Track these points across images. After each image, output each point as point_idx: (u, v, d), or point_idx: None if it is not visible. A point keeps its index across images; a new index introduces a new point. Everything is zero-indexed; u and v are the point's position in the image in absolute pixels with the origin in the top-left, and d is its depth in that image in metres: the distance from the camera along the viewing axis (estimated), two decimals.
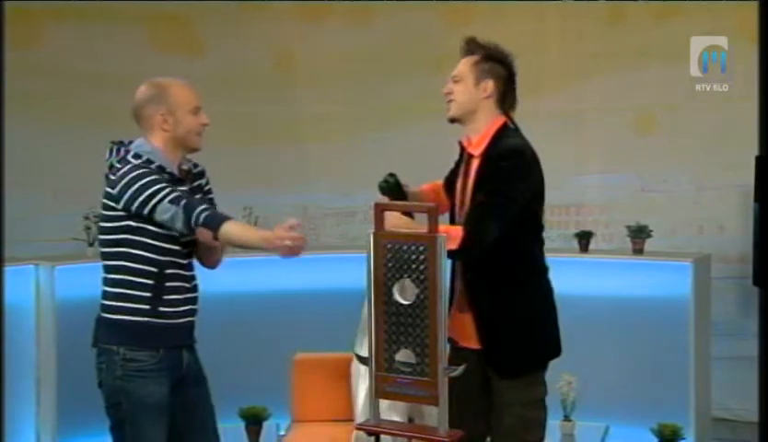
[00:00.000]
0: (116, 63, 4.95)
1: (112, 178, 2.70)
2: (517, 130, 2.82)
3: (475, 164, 2.78)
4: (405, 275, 2.32)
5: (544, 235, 2.87)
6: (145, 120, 2.73)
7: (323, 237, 5.26)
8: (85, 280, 4.48)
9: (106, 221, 2.72)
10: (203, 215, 2.59)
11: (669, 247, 4.76)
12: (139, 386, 2.65)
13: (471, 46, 2.81)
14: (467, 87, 2.78)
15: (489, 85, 2.78)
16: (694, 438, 4.35)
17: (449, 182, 2.97)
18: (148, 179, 2.62)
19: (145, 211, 2.62)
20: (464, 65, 2.81)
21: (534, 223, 2.80)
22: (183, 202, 2.61)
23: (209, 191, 2.83)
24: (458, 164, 2.92)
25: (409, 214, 2.65)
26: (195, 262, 2.83)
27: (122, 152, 2.73)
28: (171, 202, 2.60)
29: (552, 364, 4.09)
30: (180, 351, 2.75)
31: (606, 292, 4.58)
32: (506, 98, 2.82)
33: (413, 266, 2.32)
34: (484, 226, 2.54)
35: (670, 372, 4.42)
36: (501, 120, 2.80)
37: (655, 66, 4.92)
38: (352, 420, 3.45)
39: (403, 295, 2.32)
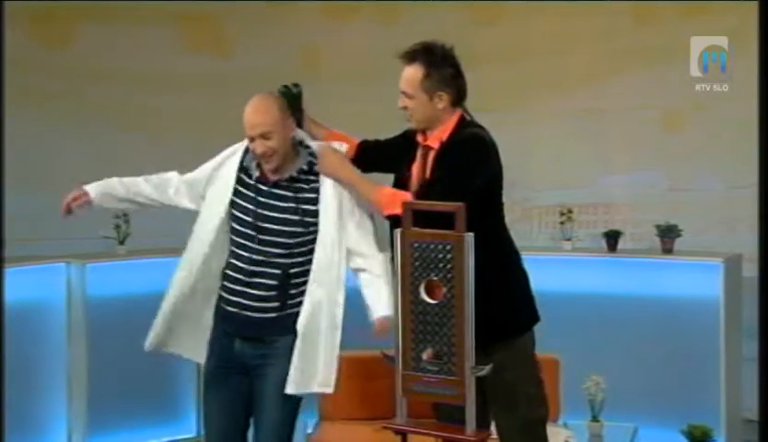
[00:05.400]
0: (145, 63, 4.99)
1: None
2: (473, 121, 2.82)
3: (432, 155, 2.78)
4: (432, 274, 2.32)
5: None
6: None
7: None
8: (116, 278, 4.54)
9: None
10: None
11: (699, 246, 4.71)
12: None
13: (409, 56, 2.78)
14: (421, 103, 2.77)
15: (443, 96, 2.77)
16: (725, 440, 4.31)
17: (380, 149, 2.99)
18: None
19: None
20: (411, 84, 2.77)
21: (495, 201, 2.81)
22: None
23: None
24: (399, 148, 2.91)
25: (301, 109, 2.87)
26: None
27: None
28: None
29: (580, 364, 4.09)
30: None
31: (635, 292, 4.55)
32: (459, 93, 2.80)
33: (440, 265, 2.33)
34: (436, 198, 2.55)
35: (701, 373, 4.38)
36: (458, 114, 2.81)
37: (683, 64, 4.87)
38: (380, 419, 3.45)
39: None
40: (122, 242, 4.61)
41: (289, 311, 2.85)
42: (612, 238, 4.71)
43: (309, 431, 4.04)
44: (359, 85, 5.27)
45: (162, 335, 2.96)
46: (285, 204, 2.85)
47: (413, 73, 2.77)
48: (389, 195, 2.75)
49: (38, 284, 4.39)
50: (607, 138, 5.11)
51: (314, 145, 2.92)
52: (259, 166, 2.88)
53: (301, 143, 2.92)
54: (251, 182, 2.89)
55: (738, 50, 4.44)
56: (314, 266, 2.83)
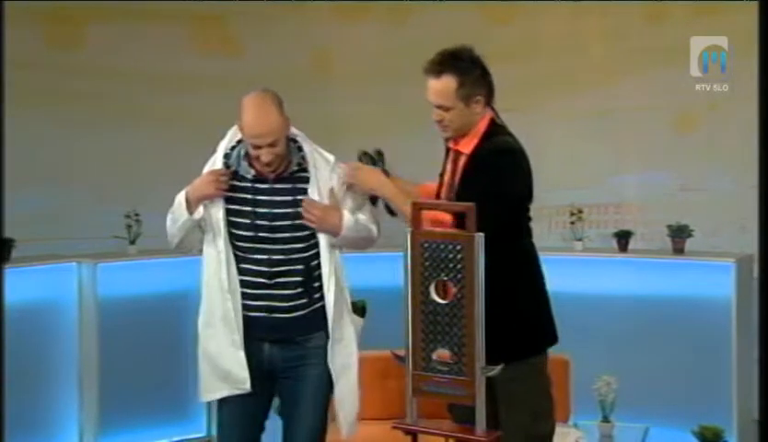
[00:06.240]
0: (154, 62, 5.00)
1: None
2: (503, 125, 2.80)
3: (463, 161, 2.76)
4: (442, 274, 2.32)
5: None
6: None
7: None
8: (126, 278, 4.56)
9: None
10: None
11: (710, 246, 4.69)
12: None
13: (438, 69, 2.71)
14: (460, 112, 2.72)
15: (480, 100, 2.73)
16: (737, 441, 4.29)
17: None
18: None
19: None
20: (446, 97, 2.70)
21: (524, 217, 2.79)
22: None
23: None
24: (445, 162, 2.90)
25: (385, 171, 2.90)
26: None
27: None
28: None
29: (591, 364, 4.08)
30: None
31: (646, 292, 4.54)
32: (491, 91, 2.78)
33: (450, 265, 2.32)
34: (481, 223, 2.53)
35: (712, 373, 4.37)
36: (488, 115, 2.78)
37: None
38: (393, 418, 3.45)
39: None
40: (132, 242, 4.63)
41: (316, 306, 2.83)
42: (623, 239, 4.70)
43: None
44: (370, 85, 5.28)
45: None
46: (291, 197, 2.81)
47: (445, 84, 2.70)
48: None
49: (49, 283, 4.41)
50: (618, 138, 5.09)
51: (340, 165, 2.89)
52: (251, 164, 2.81)
53: (288, 137, 2.84)
54: (247, 184, 2.82)
55: (747, 50, 4.42)
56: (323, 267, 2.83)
